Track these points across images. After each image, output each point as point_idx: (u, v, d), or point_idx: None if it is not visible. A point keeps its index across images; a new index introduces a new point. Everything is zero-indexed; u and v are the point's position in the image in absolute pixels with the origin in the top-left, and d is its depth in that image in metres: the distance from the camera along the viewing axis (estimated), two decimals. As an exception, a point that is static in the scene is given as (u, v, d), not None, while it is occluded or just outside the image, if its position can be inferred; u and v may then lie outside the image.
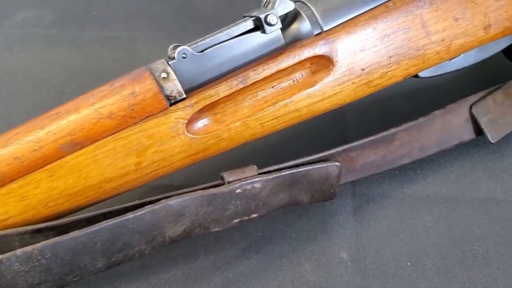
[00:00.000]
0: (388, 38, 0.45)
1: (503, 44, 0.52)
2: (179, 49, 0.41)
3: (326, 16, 0.44)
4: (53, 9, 0.65)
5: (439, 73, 0.50)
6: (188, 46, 0.42)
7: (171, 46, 0.43)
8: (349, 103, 0.47)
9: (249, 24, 0.43)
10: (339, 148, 0.47)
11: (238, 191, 0.42)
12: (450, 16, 0.47)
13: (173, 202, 0.39)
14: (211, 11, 0.65)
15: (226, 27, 0.43)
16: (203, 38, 0.43)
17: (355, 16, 0.44)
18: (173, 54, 0.41)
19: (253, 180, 0.43)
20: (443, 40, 0.47)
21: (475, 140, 0.55)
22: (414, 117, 0.52)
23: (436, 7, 0.46)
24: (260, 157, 0.57)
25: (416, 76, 0.50)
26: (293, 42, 0.43)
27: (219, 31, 0.43)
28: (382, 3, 0.44)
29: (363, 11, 0.44)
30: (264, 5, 0.44)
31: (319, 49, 0.43)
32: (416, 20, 0.45)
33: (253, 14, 0.43)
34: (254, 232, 0.50)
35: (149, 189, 0.54)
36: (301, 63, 0.43)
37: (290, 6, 0.43)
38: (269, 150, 0.57)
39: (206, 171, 0.53)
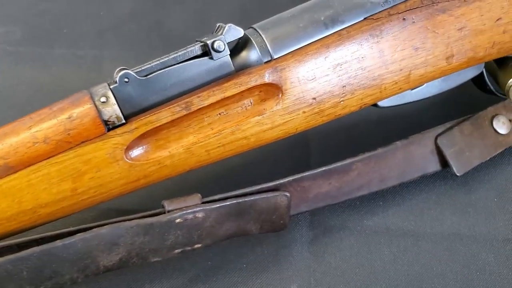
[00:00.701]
0: (341, 67, 0.43)
1: (469, 75, 0.51)
2: (121, 73, 0.40)
3: (276, 44, 0.43)
4: (23, 26, 0.66)
5: (400, 103, 0.49)
6: (133, 70, 0.41)
7: (117, 70, 0.42)
8: (302, 131, 0.46)
9: (197, 49, 0.42)
10: (291, 178, 0.46)
11: (178, 220, 0.41)
12: (409, 46, 0.45)
13: (105, 231, 0.38)
14: (183, 32, 0.65)
15: (174, 51, 0.43)
16: (149, 62, 0.42)
17: (306, 45, 0.43)
18: (116, 78, 0.41)
19: (195, 209, 0.41)
20: (401, 70, 0.45)
21: (442, 173, 0.53)
22: (381, 146, 0.51)
23: (393, 36, 0.44)
24: (220, 181, 0.56)
25: (375, 105, 0.49)
26: (243, 69, 0.43)
27: (166, 55, 0.42)
28: (335, 32, 0.43)
29: (315, 40, 0.43)
30: (215, 30, 0.44)
31: (268, 77, 0.42)
32: (372, 49, 0.44)
33: (202, 40, 0.42)
34: (203, 261, 0.48)
35: (101, 211, 0.53)
36: (249, 90, 0.42)
37: (240, 33, 0.42)
38: (229, 174, 0.56)
39: (162, 194, 0.51)
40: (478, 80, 0.54)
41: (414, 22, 0.45)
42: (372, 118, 0.59)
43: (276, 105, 0.43)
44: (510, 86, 0.51)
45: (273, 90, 0.43)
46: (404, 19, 0.45)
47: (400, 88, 0.47)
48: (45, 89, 0.58)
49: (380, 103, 0.48)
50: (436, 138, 0.52)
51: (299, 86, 0.43)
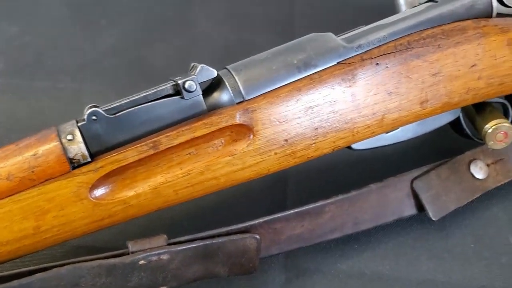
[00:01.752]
0: (313, 110, 0.43)
1: (444, 120, 0.51)
2: (89, 110, 0.40)
3: (249, 86, 0.43)
4: (6, 58, 0.66)
5: (374, 146, 0.49)
6: (102, 107, 0.41)
7: (87, 107, 0.42)
8: (275, 172, 0.45)
9: (168, 88, 0.42)
10: (262, 219, 0.45)
11: (141, 262, 0.40)
12: (382, 90, 0.45)
13: (65, 271, 0.37)
14: (164, 68, 0.65)
15: (146, 90, 0.43)
16: (119, 100, 0.42)
17: (278, 87, 0.43)
18: (84, 115, 0.40)
19: (160, 251, 0.40)
20: (374, 114, 0.45)
21: (418, 217, 0.52)
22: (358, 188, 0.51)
23: (366, 81, 0.45)
24: (195, 220, 0.55)
25: (349, 147, 0.48)
26: (215, 109, 0.43)
27: (137, 94, 0.42)
28: (308, 75, 0.43)
29: (287, 82, 0.43)
30: (190, 69, 0.44)
31: (239, 118, 0.41)
32: (344, 93, 0.44)
33: (175, 79, 0.42)
34: (171, 303, 0.48)
35: (71, 248, 0.53)
36: (220, 130, 0.42)
37: (212, 74, 0.42)
38: (205, 213, 0.55)
39: (136, 232, 0.51)
40: (455, 125, 0.54)
41: (387, 67, 0.45)
42: (352, 160, 0.59)
43: (247, 146, 0.42)
44: (487, 132, 0.51)
45: (244, 131, 0.42)
46: (377, 64, 0.45)
47: (373, 132, 0.46)
48: (23, 121, 0.58)
49: (354, 146, 0.48)
50: (412, 182, 0.51)
51: (271, 128, 0.43)
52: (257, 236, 0.43)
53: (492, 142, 0.52)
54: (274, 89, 0.43)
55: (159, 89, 0.42)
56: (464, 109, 0.56)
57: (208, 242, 0.42)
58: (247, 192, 0.55)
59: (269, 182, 0.57)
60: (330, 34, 0.45)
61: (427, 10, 0.47)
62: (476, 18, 0.48)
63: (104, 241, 0.50)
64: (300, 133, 0.44)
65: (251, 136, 0.42)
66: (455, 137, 0.57)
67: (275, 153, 0.44)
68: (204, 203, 0.54)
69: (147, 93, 0.41)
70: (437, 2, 0.49)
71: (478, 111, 0.54)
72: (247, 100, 0.42)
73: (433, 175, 0.52)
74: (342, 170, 0.58)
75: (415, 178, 0.51)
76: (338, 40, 0.45)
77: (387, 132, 0.49)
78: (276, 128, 0.43)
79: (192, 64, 0.44)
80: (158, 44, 0.69)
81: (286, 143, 0.44)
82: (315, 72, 0.44)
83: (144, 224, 0.52)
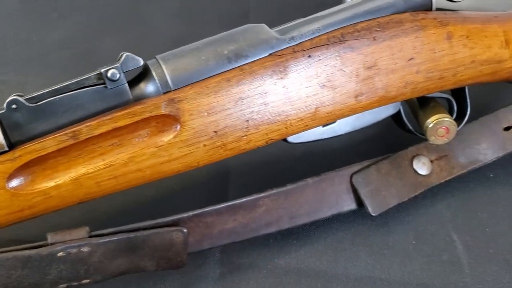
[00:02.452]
0: (243, 101, 0.42)
1: (384, 114, 0.50)
2: (9, 99, 0.39)
3: (176, 75, 0.42)
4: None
5: (311, 140, 0.48)
6: (23, 96, 0.40)
7: (11, 96, 0.41)
8: (205, 165, 0.45)
9: (92, 78, 0.41)
10: (191, 213, 0.44)
11: (60, 254, 0.39)
12: (314, 83, 0.45)
13: (-24, 263, 0.36)
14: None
15: (71, 79, 0.42)
16: (42, 90, 0.41)
17: (207, 78, 0.42)
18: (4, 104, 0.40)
19: (80, 243, 0.39)
20: (307, 107, 0.45)
21: (360, 212, 0.52)
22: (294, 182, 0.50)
23: (298, 73, 0.44)
24: (131, 213, 0.54)
25: (285, 140, 0.48)
26: (140, 99, 0.42)
27: (62, 83, 0.41)
28: (238, 66, 0.43)
29: (217, 73, 0.42)
30: (118, 59, 0.43)
31: (164, 108, 0.41)
32: (275, 85, 0.43)
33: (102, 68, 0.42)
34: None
35: (1, 241, 0.52)
36: (145, 121, 0.41)
37: (138, 63, 0.41)
38: (141, 207, 0.54)
39: (67, 224, 0.49)
40: (396, 119, 0.53)
41: (320, 59, 0.44)
42: (298, 153, 0.59)
43: (174, 137, 0.42)
44: (428, 127, 0.51)
45: (171, 122, 0.41)
46: (309, 56, 0.44)
47: (307, 125, 0.46)
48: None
49: (290, 139, 0.48)
50: (351, 176, 0.51)
51: (199, 119, 0.42)
52: (184, 230, 0.42)
53: (434, 138, 0.51)
54: (203, 79, 0.42)
55: (82, 78, 0.41)
56: (408, 103, 0.56)
57: (131, 235, 0.41)
58: (186, 185, 0.54)
59: (210, 175, 0.56)
60: (264, 25, 0.45)
61: (364, 2, 0.47)
62: (415, 11, 0.48)
63: (36, 235, 0.50)
64: (230, 125, 0.43)
65: (178, 127, 0.42)
66: (403, 132, 0.57)
67: (204, 145, 0.43)
68: (141, 197, 0.54)
69: (70, 82, 0.41)
70: (376, -6, 0.48)
71: (422, 105, 0.54)
72: (173, 90, 0.41)
73: (373, 170, 0.51)
74: (288, 163, 0.58)
75: (355, 172, 0.51)
76: (271, 31, 0.45)
77: (323, 126, 0.49)
78: (205, 119, 0.42)
79: (121, 54, 0.43)
80: (109, 38, 0.69)
81: (215, 135, 0.43)
82: (246, 63, 0.43)
83: (77, 217, 0.51)
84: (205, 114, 0.42)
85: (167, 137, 0.42)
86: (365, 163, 0.52)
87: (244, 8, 0.74)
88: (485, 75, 0.51)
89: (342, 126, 0.49)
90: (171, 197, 0.54)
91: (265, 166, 0.56)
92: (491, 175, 0.56)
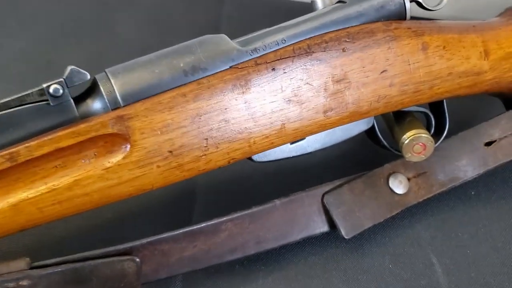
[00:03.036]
0: (201, 118, 0.39)
1: (356, 130, 0.47)
2: None
3: (126, 91, 0.38)
4: None
5: (278, 158, 0.45)
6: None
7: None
8: (160, 188, 0.41)
9: (34, 94, 0.37)
10: (145, 240, 0.41)
11: (-6, 289, 0.36)
12: (280, 98, 0.41)
13: None
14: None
15: (12, 96, 0.38)
16: (-22, 107, 0.38)
17: (161, 92, 0.39)
18: None
19: (19, 276, 0.36)
20: (272, 123, 0.41)
21: (332, 235, 0.48)
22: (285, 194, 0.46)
23: (261, 87, 0.41)
24: (87, 239, 0.50)
25: (250, 159, 0.45)
26: (87, 117, 0.38)
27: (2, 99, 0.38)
28: (195, 80, 0.39)
29: (172, 87, 0.39)
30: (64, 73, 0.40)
31: (112, 126, 0.37)
32: (236, 101, 0.40)
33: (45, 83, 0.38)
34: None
35: None
36: (91, 140, 0.37)
37: (85, 77, 0.38)
38: (99, 231, 0.50)
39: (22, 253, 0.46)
40: (370, 135, 0.50)
41: (285, 72, 0.41)
42: (268, 171, 0.55)
43: (124, 158, 0.38)
44: (403, 143, 0.48)
45: (120, 141, 0.38)
46: (273, 69, 0.41)
47: (272, 143, 0.42)
48: None
49: (256, 158, 0.44)
50: (322, 197, 0.48)
51: (152, 138, 0.38)
52: (137, 259, 0.39)
53: (410, 154, 0.48)
54: (156, 94, 0.39)
55: (23, 94, 0.37)
56: (384, 118, 0.53)
57: (78, 265, 0.37)
58: (147, 207, 0.51)
59: (175, 193, 0.53)
60: (224, 36, 0.42)
61: (333, 11, 0.44)
62: (388, 20, 0.45)
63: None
64: (187, 144, 0.39)
65: (128, 147, 0.38)
66: (378, 147, 0.54)
67: (158, 166, 0.39)
68: (98, 219, 0.50)
69: (9, 99, 0.38)
70: (345, 2, 0.46)
71: (397, 120, 0.50)
72: (123, 107, 0.38)
73: (346, 189, 0.48)
74: (258, 180, 0.54)
75: (326, 192, 0.47)
76: (232, 42, 0.41)
77: (291, 143, 0.46)
78: (158, 138, 0.39)
79: (67, 67, 0.40)
80: (72, 49, 0.65)
81: (170, 155, 0.39)
82: (204, 77, 0.40)
83: (29, 245, 0.47)
84: (158, 132, 0.39)
85: (116, 158, 0.38)
86: (337, 182, 0.48)
87: (216, 16, 0.71)
88: (463, 88, 0.48)
89: (312, 143, 0.46)
90: (132, 219, 0.50)
91: (234, 183, 0.53)
92: (473, 193, 0.53)
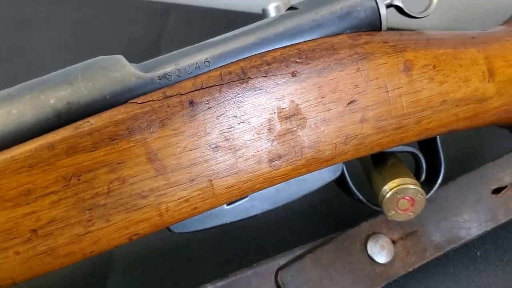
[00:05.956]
0: (79, 180, 0.26)
1: (321, 180, 0.35)
2: None
3: None
4: None
5: (207, 227, 0.33)
6: None
7: None
8: (26, 281, 0.29)
9: None
10: None
11: None
12: (203, 144, 0.29)
13: None
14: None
15: None
16: None
17: (16, 146, 0.26)
18: None
19: None
20: (193, 181, 0.29)
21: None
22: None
23: (173, 130, 0.28)
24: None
25: (169, 230, 0.33)
26: None
27: None
28: (72, 124, 0.26)
29: (34, 136, 0.26)
30: None
31: None
32: (136, 151, 0.27)
33: None
34: None
35: None
36: None
37: None
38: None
39: None
40: (341, 185, 0.38)
41: (209, 107, 0.29)
42: (201, 237, 0.43)
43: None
44: (384, 196, 0.36)
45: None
46: (191, 103, 0.29)
47: (196, 208, 0.30)
48: None
49: (175, 228, 0.33)
50: (276, 273, 0.35)
51: (2, 212, 0.26)
52: None
53: (393, 212, 0.36)
54: (9, 147, 0.27)
55: None
56: (360, 159, 0.42)
57: None
58: (59, 283, 0.39)
59: (87, 269, 0.41)
60: (120, 57, 0.29)
61: (279, 21, 0.32)
62: (356, 31, 0.34)
63: None
64: (59, 218, 0.27)
65: None
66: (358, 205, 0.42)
67: (17, 253, 0.27)
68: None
69: None
70: (297, 9, 0.34)
71: (376, 163, 0.39)
72: None
73: (309, 262, 0.36)
74: (189, 251, 0.41)
75: (282, 267, 0.35)
76: (131, 67, 0.29)
77: (227, 204, 0.33)
78: (14, 211, 0.27)
79: None
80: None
81: (34, 235, 0.27)
82: (84, 120, 0.27)
83: None
84: (11, 204, 0.27)
85: None
86: (297, 251, 0.36)
87: (158, 30, 0.59)
88: (462, 120, 0.36)
89: (257, 203, 0.33)
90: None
91: (158, 255, 0.40)
92: (478, 253, 0.42)
